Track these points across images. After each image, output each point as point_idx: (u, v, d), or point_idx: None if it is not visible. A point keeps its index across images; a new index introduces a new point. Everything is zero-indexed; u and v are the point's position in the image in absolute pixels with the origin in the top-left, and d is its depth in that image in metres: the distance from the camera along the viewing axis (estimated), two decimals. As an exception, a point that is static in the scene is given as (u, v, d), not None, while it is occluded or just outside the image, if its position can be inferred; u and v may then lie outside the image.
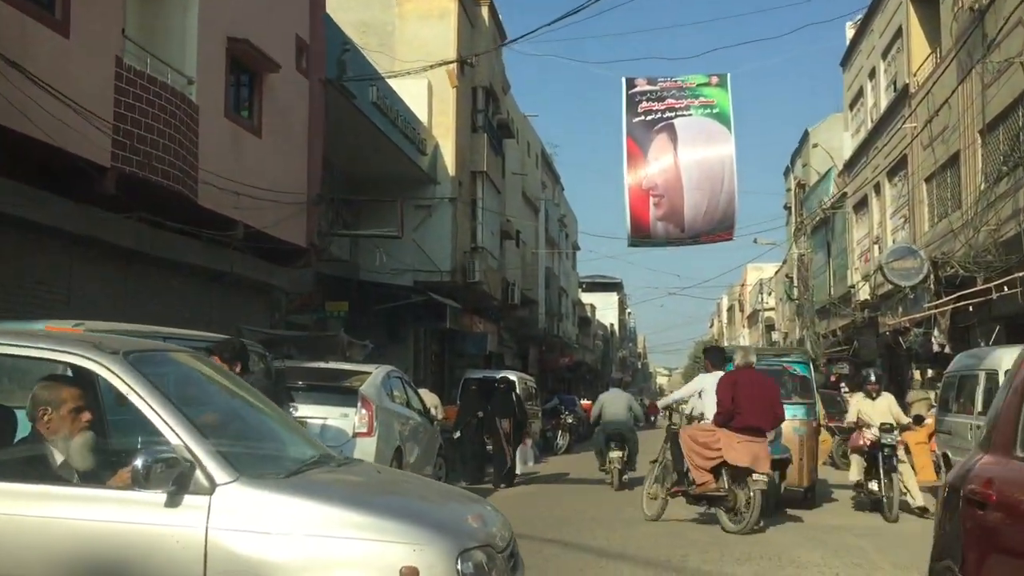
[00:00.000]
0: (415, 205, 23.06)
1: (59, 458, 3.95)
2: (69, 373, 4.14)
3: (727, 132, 23.58)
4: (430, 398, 15.89)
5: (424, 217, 23.70)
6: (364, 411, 10.64)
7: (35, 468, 3.92)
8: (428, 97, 23.58)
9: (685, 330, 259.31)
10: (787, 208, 47.34)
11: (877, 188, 28.47)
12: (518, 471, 15.60)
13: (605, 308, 72.28)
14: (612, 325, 76.65)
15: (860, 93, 31.26)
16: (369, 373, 11.55)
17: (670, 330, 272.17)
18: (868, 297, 27.83)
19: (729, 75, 24.17)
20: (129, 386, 3.84)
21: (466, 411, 15.90)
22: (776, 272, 54.70)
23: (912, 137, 23.58)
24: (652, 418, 51.26)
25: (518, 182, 35.23)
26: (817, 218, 36.13)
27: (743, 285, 74.78)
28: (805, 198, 40.82)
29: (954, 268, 19.08)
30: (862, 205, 30.78)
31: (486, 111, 27.42)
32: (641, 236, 24.22)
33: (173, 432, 3.74)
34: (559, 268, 46.96)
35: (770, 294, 56.47)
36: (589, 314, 62.57)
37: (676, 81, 24.13)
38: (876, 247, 27.82)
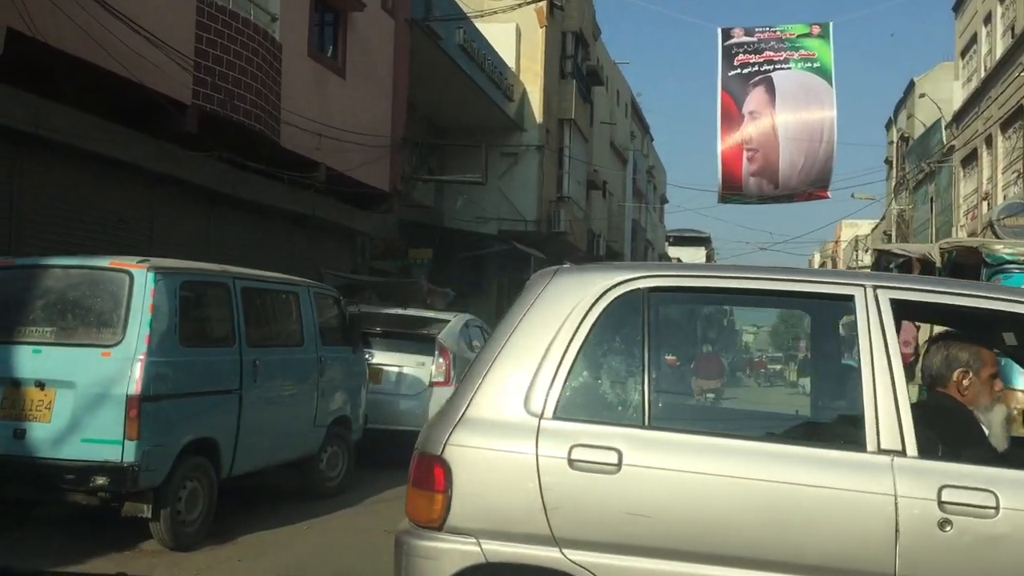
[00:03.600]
0: (501, 152, 22.65)
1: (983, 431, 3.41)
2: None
3: (828, 87, 22.49)
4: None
5: (510, 165, 23.29)
6: (442, 360, 10.35)
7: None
8: (516, 42, 23.01)
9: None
10: (888, 162, 45.36)
11: (988, 141, 26.91)
12: None
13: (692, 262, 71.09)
14: (699, 280, 75.26)
15: (973, 39, 29.48)
16: (448, 321, 11.26)
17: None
18: (974, 256, 26.44)
19: (832, 24, 22.99)
20: None
21: None
22: (873, 229, 52.71)
23: (1031, 86, 22.11)
24: None
25: (606, 131, 34.45)
26: (922, 172, 34.46)
27: (836, 242, 72.43)
28: (908, 151, 38.99)
29: (1072, 226, 17.87)
30: (971, 159, 29.19)
31: (575, 57, 26.70)
32: (733, 192, 23.41)
33: None
34: (646, 220, 46.08)
35: (866, 251, 54.51)
36: (676, 268, 61.52)
37: (775, 32, 23.06)
38: (985, 203, 26.40)
